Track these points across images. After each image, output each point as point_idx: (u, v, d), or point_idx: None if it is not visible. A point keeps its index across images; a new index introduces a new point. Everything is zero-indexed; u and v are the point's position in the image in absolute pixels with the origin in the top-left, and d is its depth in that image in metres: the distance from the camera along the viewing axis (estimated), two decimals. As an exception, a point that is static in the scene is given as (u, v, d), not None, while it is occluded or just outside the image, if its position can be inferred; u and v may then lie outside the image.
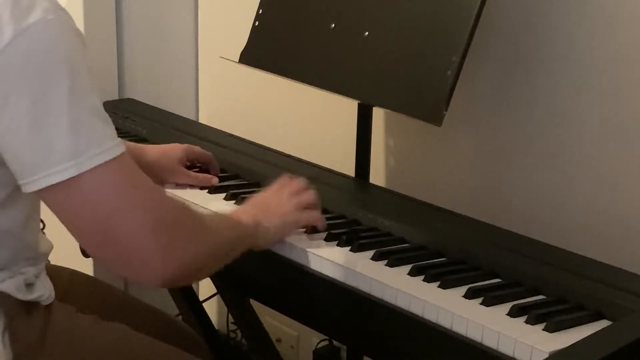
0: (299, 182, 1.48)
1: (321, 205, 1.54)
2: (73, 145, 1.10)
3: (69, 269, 1.56)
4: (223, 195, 1.60)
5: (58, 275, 1.45)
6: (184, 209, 1.24)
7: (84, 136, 1.11)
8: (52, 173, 1.10)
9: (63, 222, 1.17)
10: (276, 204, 1.42)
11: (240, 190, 1.61)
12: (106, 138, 1.14)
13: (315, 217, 1.45)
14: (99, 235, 1.14)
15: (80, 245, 1.19)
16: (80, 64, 1.13)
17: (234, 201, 1.57)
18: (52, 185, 1.11)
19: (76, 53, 1.13)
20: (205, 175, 1.67)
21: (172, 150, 1.66)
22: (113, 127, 1.17)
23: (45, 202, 1.17)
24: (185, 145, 1.68)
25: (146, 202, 1.15)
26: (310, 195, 1.46)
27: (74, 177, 1.10)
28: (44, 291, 1.30)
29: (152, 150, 1.63)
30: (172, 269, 1.17)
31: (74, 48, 1.13)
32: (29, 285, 1.28)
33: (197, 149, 1.69)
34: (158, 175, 1.59)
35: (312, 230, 1.45)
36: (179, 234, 1.18)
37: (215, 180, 1.66)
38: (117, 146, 1.14)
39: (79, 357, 1.32)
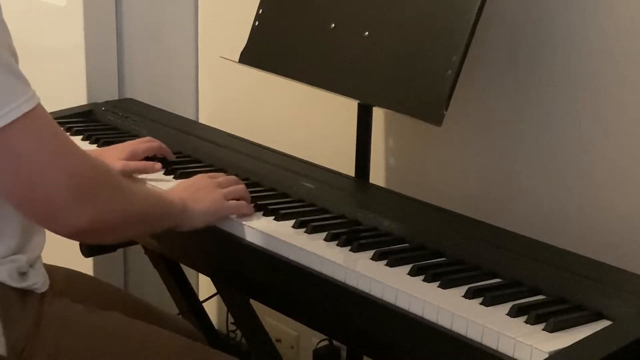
0: (227, 177, 1.55)
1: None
2: None
3: (65, 268, 1.55)
4: (223, 195, 1.60)
5: (55, 274, 1.45)
6: (99, 167, 1.28)
7: (0, 92, 1.13)
8: None
9: None
10: (204, 191, 1.47)
11: (240, 190, 1.61)
12: (22, 91, 1.16)
13: (240, 206, 1.49)
14: (24, 188, 1.18)
15: (4, 198, 1.22)
16: None
17: (234, 201, 1.57)
18: None
19: None
20: (145, 163, 1.67)
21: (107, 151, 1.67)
22: (27, 81, 1.19)
23: None
24: (126, 151, 1.67)
25: (67, 152, 1.21)
26: (238, 188, 1.52)
27: None
28: (38, 279, 1.31)
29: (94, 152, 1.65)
30: (86, 220, 1.20)
31: None
32: (22, 274, 1.28)
33: (139, 148, 1.68)
34: None
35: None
36: (95, 188, 1.22)
37: (158, 166, 1.67)
38: (33, 97, 1.17)
39: (74, 345, 1.32)
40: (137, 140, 1.72)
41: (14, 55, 1.19)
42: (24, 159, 1.16)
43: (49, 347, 1.29)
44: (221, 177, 1.54)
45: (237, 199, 1.50)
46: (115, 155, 1.63)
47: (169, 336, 1.42)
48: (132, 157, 1.65)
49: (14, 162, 1.16)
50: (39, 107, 1.17)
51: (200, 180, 1.51)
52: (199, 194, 1.46)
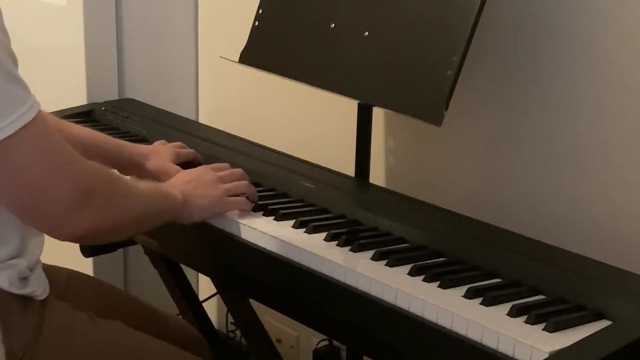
0: (232, 170, 1.54)
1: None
2: None
3: (67, 269, 1.55)
4: (223, 195, 1.60)
5: (56, 275, 1.45)
6: (100, 172, 1.28)
7: (1, 103, 1.12)
8: None
9: None
10: (206, 187, 1.47)
11: (240, 190, 1.61)
12: (23, 100, 1.15)
13: (239, 202, 1.49)
14: (26, 198, 1.18)
15: (7, 209, 1.22)
16: None
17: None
18: None
19: None
20: None
21: (163, 150, 1.67)
22: (27, 86, 1.18)
23: None
24: (171, 150, 1.67)
25: (67, 162, 1.20)
26: (240, 184, 1.52)
27: None
28: (38, 286, 1.30)
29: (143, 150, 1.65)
30: (83, 229, 1.22)
31: None
32: (23, 280, 1.28)
33: (182, 152, 1.69)
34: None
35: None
36: (94, 198, 1.22)
37: None
38: (33, 105, 1.16)
39: (74, 354, 1.31)
40: (174, 144, 1.71)
41: (14, 61, 1.18)
42: (25, 170, 1.16)
43: (48, 357, 1.29)
44: (226, 171, 1.54)
45: (240, 194, 1.51)
46: (168, 158, 1.64)
47: (166, 347, 1.43)
48: (175, 160, 1.66)
49: (15, 173, 1.16)
50: (39, 116, 1.16)
51: (204, 174, 1.50)
52: (200, 190, 1.46)
